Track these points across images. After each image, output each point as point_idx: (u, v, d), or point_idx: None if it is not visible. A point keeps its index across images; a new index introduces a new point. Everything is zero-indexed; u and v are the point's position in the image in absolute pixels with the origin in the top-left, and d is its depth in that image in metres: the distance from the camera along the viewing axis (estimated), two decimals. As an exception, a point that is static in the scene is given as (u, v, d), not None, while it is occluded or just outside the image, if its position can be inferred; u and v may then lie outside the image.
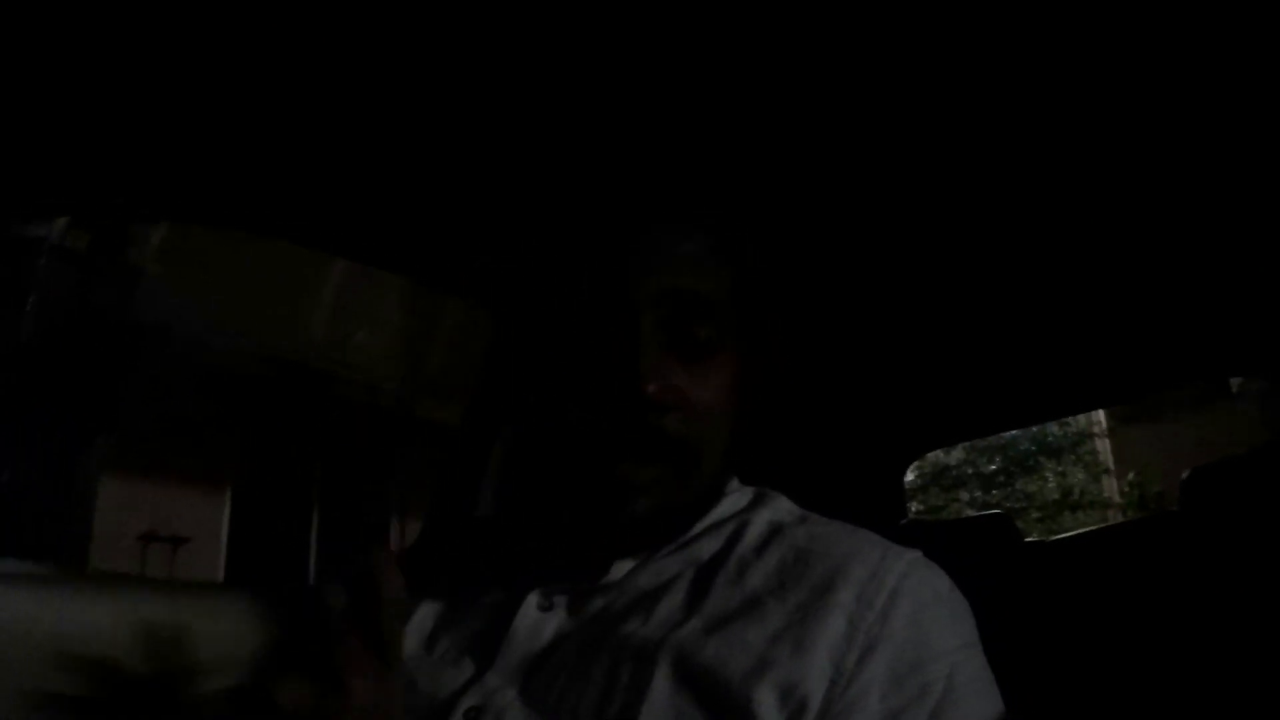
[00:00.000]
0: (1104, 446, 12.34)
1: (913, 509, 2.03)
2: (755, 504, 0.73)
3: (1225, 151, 1.04)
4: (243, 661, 0.47)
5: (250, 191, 1.07)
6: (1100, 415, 11.83)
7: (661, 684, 0.57)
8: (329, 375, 7.89)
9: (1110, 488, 12.06)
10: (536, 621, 0.65)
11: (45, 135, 0.93)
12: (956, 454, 12.69)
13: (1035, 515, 11.79)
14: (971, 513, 11.55)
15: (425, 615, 0.71)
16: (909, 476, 2.00)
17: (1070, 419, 11.00)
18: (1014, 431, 10.30)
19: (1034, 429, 11.06)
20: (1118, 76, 0.92)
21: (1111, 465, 12.13)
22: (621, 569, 0.68)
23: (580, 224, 0.72)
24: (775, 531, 0.68)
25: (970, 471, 13.00)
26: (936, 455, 11.88)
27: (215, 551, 7.23)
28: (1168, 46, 0.88)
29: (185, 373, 6.50)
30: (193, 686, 0.44)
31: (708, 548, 0.68)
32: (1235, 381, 9.75)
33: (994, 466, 12.91)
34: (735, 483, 0.76)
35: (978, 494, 12.84)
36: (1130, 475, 11.53)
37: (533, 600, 0.66)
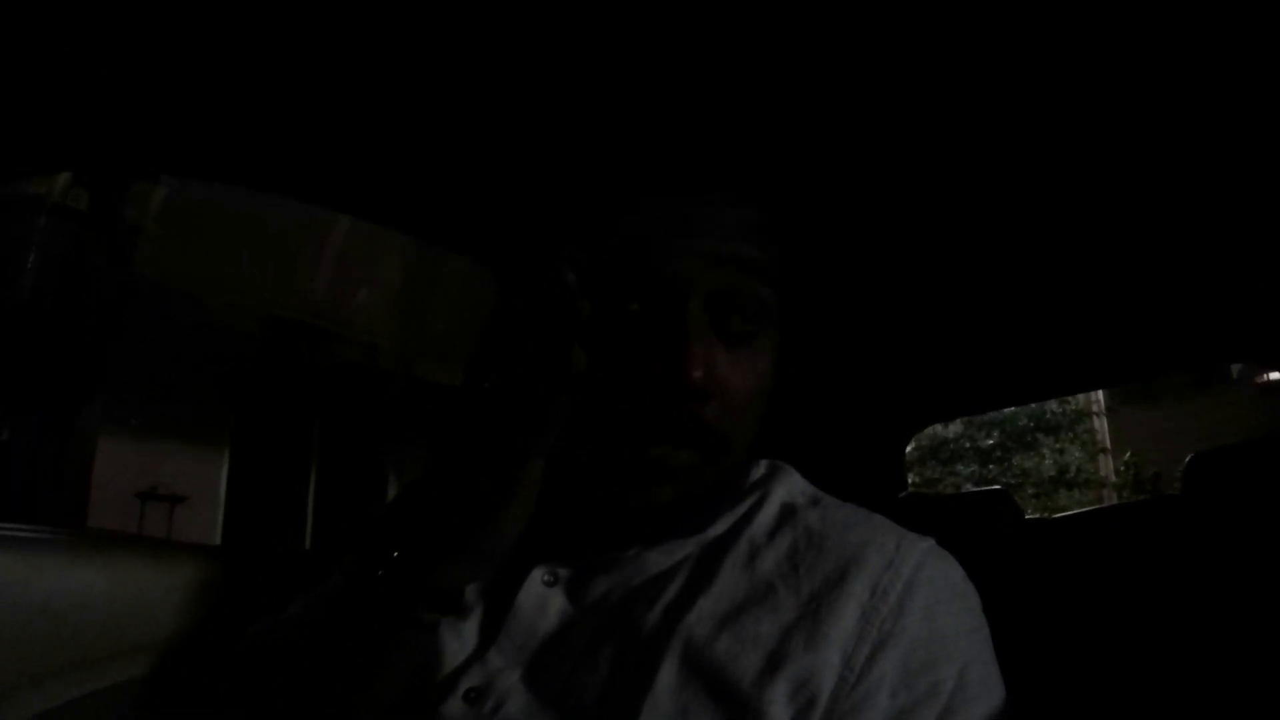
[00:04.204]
0: (1101, 426, 12.40)
1: (909, 481, 2.05)
2: (767, 479, 0.71)
3: (1227, 137, 1.02)
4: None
5: (254, 147, 1.05)
6: (1099, 394, 11.86)
7: (667, 676, 0.55)
8: (329, 334, 7.88)
9: (1106, 467, 12.13)
10: (541, 597, 0.63)
11: (47, 91, 0.91)
12: (954, 428, 12.75)
13: (1031, 491, 11.86)
14: (969, 487, 11.62)
15: None
16: (907, 448, 2.00)
17: (1069, 397, 11.03)
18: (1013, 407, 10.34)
19: (1033, 405, 11.08)
20: (1118, 61, 0.90)
21: (1108, 445, 12.18)
22: (630, 547, 0.65)
23: (620, 194, 0.68)
24: (788, 514, 0.66)
25: (967, 446, 13.06)
26: (934, 428, 11.91)
27: (213, 511, 7.26)
28: (1163, 35, 0.86)
29: (185, 331, 6.49)
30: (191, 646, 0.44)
31: (718, 526, 0.66)
32: (1235, 368, 9.78)
33: (991, 441, 12.97)
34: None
35: (974, 468, 12.90)
36: (1127, 455, 11.58)
37: (537, 575, 0.64)
